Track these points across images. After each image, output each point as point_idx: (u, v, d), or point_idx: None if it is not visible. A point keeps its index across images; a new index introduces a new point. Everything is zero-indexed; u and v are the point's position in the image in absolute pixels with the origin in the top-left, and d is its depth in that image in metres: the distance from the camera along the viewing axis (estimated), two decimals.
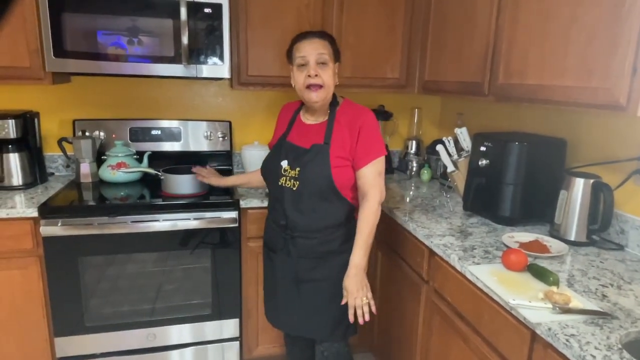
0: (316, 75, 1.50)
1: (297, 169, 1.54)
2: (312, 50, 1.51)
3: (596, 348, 0.96)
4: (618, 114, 1.26)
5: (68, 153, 2.36)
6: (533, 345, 1.13)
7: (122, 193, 2.13)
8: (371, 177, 1.53)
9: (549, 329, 1.04)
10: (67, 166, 2.46)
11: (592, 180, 1.57)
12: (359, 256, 1.51)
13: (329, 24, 2.30)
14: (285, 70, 2.30)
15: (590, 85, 1.30)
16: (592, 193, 1.58)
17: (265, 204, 2.07)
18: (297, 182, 1.54)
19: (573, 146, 1.82)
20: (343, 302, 1.54)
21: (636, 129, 1.55)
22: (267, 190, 1.78)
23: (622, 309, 1.13)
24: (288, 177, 1.56)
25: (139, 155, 2.35)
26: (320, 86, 1.51)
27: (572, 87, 1.36)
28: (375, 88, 2.40)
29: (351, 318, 1.52)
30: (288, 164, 1.57)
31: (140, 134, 2.45)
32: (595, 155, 1.71)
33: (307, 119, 1.65)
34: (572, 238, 1.61)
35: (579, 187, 1.59)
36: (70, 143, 2.27)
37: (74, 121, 2.38)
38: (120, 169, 2.23)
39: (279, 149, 1.63)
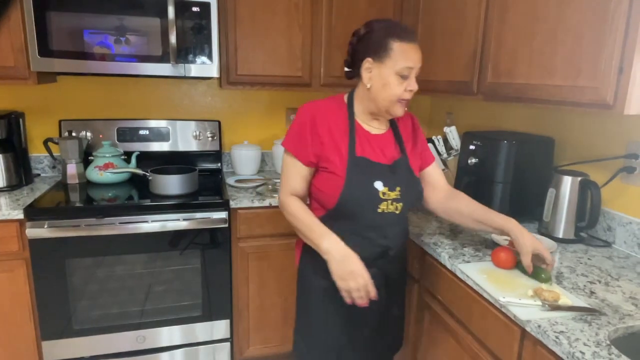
0: None
1: (397, 189, 1.33)
2: (418, 62, 1.29)
3: (585, 344, 0.97)
4: (605, 113, 1.27)
5: (54, 154, 2.32)
6: (523, 342, 1.14)
7: (109, 194, 2.11)
8: (439, 167, 1.54)
9: (539, 326, 1.05)
10: (54, 167, 2.42)
11: (579, 178, 1.59)
12: None
13: (319, 24, 2.30)
14: (277, 69, 2.32)
15: (578, 85, 1.31)
16: (580, 191, 1.60)
17: (257, 204, 2.07)
18: (400, 204, 1.35)
19: (561, 144, 1.83)
20: None
21: (623, 127, 1.57)
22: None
23: (610, 305, 1.14)
24: (390, 201, 1.33)
25: (127, 155, 2.33)
26: None
27: (560, 86, 1.38)
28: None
29: None
30: (384, 186, 1.32)
31: (128, 134, 2.42)
32: (583, 154, 1.73)
33: (372, 127, 1.39)
34: (561, 235, 1.63)
35: (567, 185, 1.61)
36: (56, 143, 2.24)
37: (60, 121, 2.35)
38: (108, 169, 2.20)
39: (360, 168, 1.31)
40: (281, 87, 2.35)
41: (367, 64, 1.29)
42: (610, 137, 1.62)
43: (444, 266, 1.48)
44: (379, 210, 1.32)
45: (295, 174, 1.37)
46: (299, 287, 1.49)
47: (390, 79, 1.27)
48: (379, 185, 1.31)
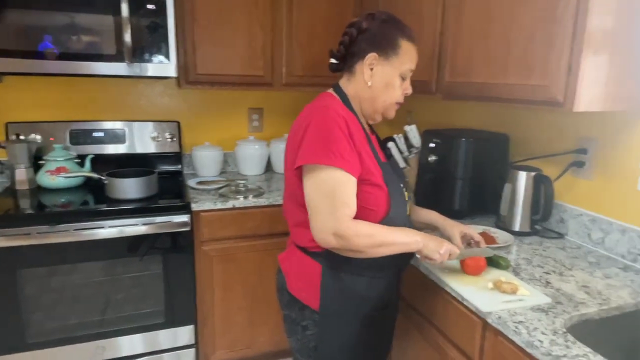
0: None
1: (406, 192, 1.30)
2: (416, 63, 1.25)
3: (543, 333, 1.01)
4: (556, 110, 1.33)
5: (1, 159, 2.19)
6: (485, 333, 1.17)
7: (63, 199, 2.01)
8: None
9: (499, 317, 1.09)
10: (1, 172, 2.29)
11: (533, 173, 1.66)
12: None
13: (279, 23, 2.28)
14: (237, 68, 2.28)
15: (531, 83, 1.36)
16: (534, 185, 1.66)
17: (219, 206, 2.03)
18: (408, 208, 1.31)
19: (515, 141, 1.90)
20: None
21: (572, 124, 1.65)
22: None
23: (564, 294, 1.20)
24: (408, 202, 1.30)
25: (81, 159, 2.23)
26: None
27: (514, 85, 1.42)
28: (327, 87, 2.39)
29: None
30: (403, 187, 1.27)
31: (81, 137, 2.32)
32: (536, 149, 1.80)
33: (367, 128, 1.33)
34: (517, 228, 1.69)
35: (522, 180, 1.67)
36: (3, 147, 2.12)
37: (6, 124, 2.22)
38: (60, 174, 2.10)
39: (390, 175, 1.23)
40: (242, 86, 2.32)
41: (372, 59, 1.19)
42: (561, 133, 1.70)
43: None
44: (407, 214, 1.29)
45: (352, 193, 1.12)
46: (327, 329, 1.24)
47: (394, 80, 1.22)
48: (404, 191, 1.27)
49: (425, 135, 1.98)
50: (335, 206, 1.08)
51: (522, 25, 1.38)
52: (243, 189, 2.18)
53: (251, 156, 2.54)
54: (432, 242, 1.19)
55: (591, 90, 1.24)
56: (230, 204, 2.06)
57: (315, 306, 1.22)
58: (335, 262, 1.18)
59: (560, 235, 1.68)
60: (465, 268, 1.30)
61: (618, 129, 1.48)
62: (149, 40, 1.99)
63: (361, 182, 1.15)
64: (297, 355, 1.33)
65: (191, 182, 2.31)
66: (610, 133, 1.51)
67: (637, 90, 1.32)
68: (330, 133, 1.10)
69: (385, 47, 1.19)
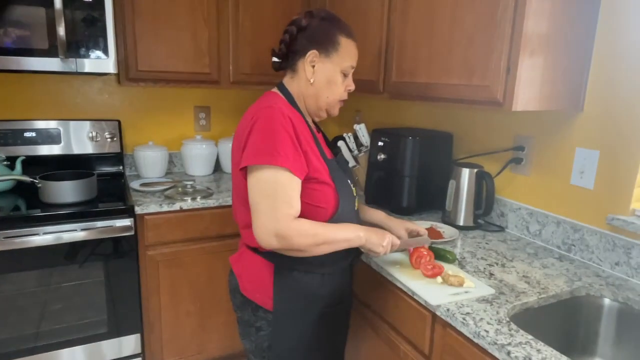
0: None
1: (354, 188, 1.31)
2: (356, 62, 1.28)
3: (488, 323, 1.05)
4: (496, 109, 1.39)
5: None
6: (434, 326, 1.21)
7: None
8: None
9: (448, 309, 1.12)
10: None
11: (475, 170, 1.73)
12: None
13: (225, 20, 2.23)
14: (182, 64, 2.20)
15: (472, 83, 1.41)
16: (476, 181, 1.73)
17: (165, 208, 1.96)
18: (357, 198, 1.32)
19: (459, 139, 1.98)
20: None
21: (511, 122, 1.73)
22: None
23: (507, 285, 1.26)
24: (356, 198, 1.31)
25: (10, 161, 2.07)
26: None
27: (456, 85, 1.48)
28: (275, 85, 2.38)
29: None
30: (351, 183, 1.28)
31: (10, 137, 2.15)
32: (478, 147, 1.88)
33: (313, 126, 1.33)
34: (461, 223, 1.75)
35: (465, 177, 1.74)
36: None
37: None
38: None
39: (336, 171, 1.23)
40: (188, 84, 2.25)
41: (313, 56, 1.20)
42: (500, 132, 1.78)
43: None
44: (355, 209, 1.30)
45: (295, 193, 1.11)
46: (283, 331, 1.23)
47: (335, 76, 1.24)
48: (350, 184, 1.27)
49: (374, 134, 2.01)
50: (276, 206, 1.07)
51: (464, 27, 1.43)
52: (190, 190, 2.12)
53: (198, 156, 2.47)
54: (374, 235, 1.20)
55: (528, 91, 1.31)
56: (177, 206, 1.99)
57: (268, 306, 1.21)
58: (287, 261, 1.18)
59: (501, 229, 1.76)
60: (425, 272, 1.31)
61: (552, 128, 1.58)
62: (86, 35, 1.87)
63: (309, 181, 1.15)
64: (251, 356, 1.31)
65: (134, 184, 2.21)
66: (545, 131, 1.60)
67: (569, 91, 1.41)
68: (275, 134, 1.09)
69: (325, 44, 1.21)
